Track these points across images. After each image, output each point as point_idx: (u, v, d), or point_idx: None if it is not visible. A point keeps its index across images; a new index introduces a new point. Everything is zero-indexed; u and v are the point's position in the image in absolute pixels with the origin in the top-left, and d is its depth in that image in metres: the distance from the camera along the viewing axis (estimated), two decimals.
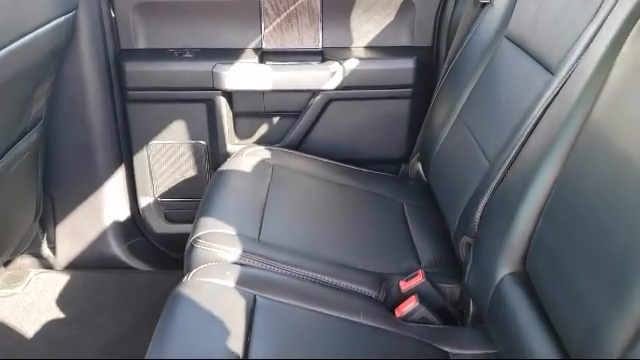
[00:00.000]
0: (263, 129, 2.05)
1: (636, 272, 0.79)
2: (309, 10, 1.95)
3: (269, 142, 2.01)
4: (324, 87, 1.94)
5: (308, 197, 1.70)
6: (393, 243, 1.53)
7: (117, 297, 1.96)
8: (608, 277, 0.85)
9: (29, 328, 1.82)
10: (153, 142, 2.02)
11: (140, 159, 2.04)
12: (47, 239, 2.08)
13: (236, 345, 1.04)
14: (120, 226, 2.10)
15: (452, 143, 1.62)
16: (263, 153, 1.84)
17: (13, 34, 1.34)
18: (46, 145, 1.87)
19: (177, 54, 1.94)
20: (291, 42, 1.98)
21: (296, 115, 2.00)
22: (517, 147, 1.22)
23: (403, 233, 1.58)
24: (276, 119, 2.03)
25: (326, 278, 1.32)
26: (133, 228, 2.14)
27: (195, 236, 1.37)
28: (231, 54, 1.94)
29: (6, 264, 2.04)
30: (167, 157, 2.05)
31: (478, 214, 1.28)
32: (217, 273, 1.22)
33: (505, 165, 1.24)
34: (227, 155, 1.97)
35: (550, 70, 1.24)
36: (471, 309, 1.29)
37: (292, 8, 1.94)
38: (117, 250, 2.10)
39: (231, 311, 1.12)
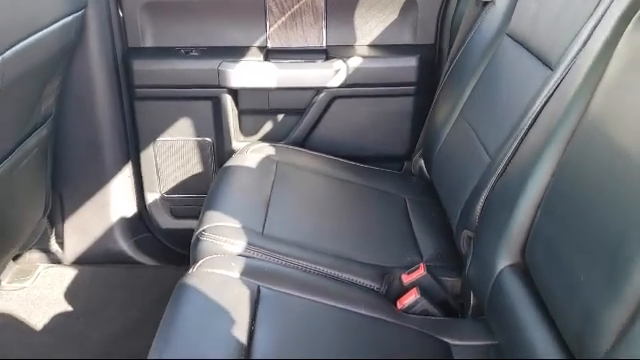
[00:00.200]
0: (268, 126, 2.08)
1: (630, 260, 0.81)
2: (313, 9, 1.98)
3: (274, 139, 2.04)
4: (328, 85, 1.96)
5: (312, 193, 1.72)
6: (395, 237, 1.55)
7: (124, 291, 1.99)
8: (603, 266, 0.87)
9: (38, 321, 1.85)
10: (160, 139, 2.05)
11: (147, 156, 2.07)
12: (55, 234, 2.12)
13: (240, 333, 1.07)
14: (127, 222, 2.13)
15: (454, 140, 1.64)
16: (268, 150, 1.86)
17: (23, 32, 1.37)
18: (54, 142, 1.91)
19: (184, 52, 1.97)
20: (295, 40, 2.01)
21: (300, 112, 2.03)
22: (516, 142, 1.24)
23: (405, 228, 1.60)
24: (281, 116, 2.06)
25: (329, 270, 1.35)
26: (140, 224, 2.17)
27: (201, 229, 1.39)
28: (237, 52, 1.97)
29: (15, 258, 2.07)
30: (173, 154, 2.08)
31: (479, 208, 1.30)
32: (222, 264, 1.25)
33: (505, 160, 1.26)
34: (232, 152, 2.00)
35: (550, 66, 1.26)
36: (472, 301, 1.31)
37: (296, 7, 1.97)
38: (124, 245, 2.13)
39: (236, 301, 1.15)
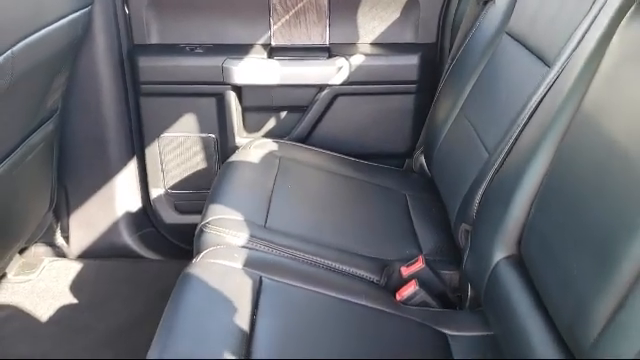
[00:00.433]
0: (271, 123, 2.10)
1: (619, 250, 0.84)
2: (317, 7, 2.00)
3: (277, 135, 2.07)
4: (331, 82, 1.99)
5: (314, 187, 1.75)
6: (395, 232, 1.58)
7: (128, 284, 2.02)
8: (594, 258, 0.89)
9: (43, 312, 1.88)
10: (164, 135, 2.08)
11: (151, 151, 2.10)
12: (61, 228, 2.15)
13: (243, 321, 1.10)
14: (131, 216, 2.16)
15: (454, 136, 1.66)
16: (271, 146, 1.89)
17: (32, 27, 1.40)
18: (60, 137, 1.94)
19: (188, 49, 2.00)
20: (299, 38, 2.04)
21: (303, 109, 2.06)
22: (513, 138, 1.27)
23: (405, 223, 1.63)
24: (284, 113, 2.09)
25: (330, 263, 1.37)
26: (144, 218, 2.19)
27: (205, 221, 1.42)
28: (241, 50, 2.00)
29: (21, 252, 2.10)
30: (178, 149, 2.11)
31: (476, 202, 1.32)
32: (225, 255, 1.28)
33: (502, 155, 1.29)
34: (236, 148, 2.02)
35: (547, 64, 1.28)
36: (469, 293, 1.34)
37: (300, 5, 2.00)
38: (128, 240, 2.16)
39: (238, 290, 1.17)
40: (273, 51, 2.01)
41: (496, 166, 1.30)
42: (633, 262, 0.81)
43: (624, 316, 0.78)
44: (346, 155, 1.98)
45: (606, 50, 1.03)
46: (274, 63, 1.97)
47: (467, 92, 1.66)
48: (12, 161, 1.56)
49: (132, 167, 2.13)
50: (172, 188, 2.15)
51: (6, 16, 1.25)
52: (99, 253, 2.14)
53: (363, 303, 1.25)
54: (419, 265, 1.37)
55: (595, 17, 1.15)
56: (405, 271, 1.37)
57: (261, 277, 1.23)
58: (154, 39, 2.03)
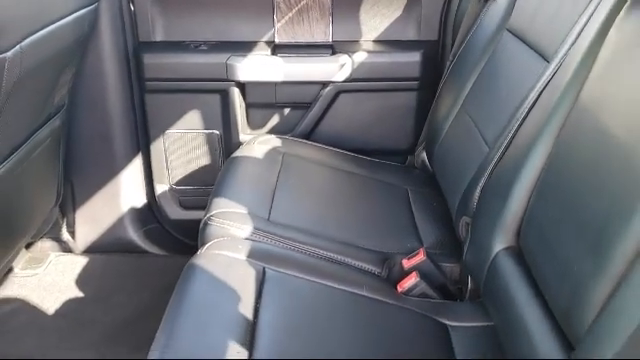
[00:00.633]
0: (275, 119, 2.13)
1: (613, 240, 0.85)
2: (320, 5, 2.03)
3: (280, 132, 2.09)
4: (334, 79, 2.01)
5: (317, 182, 1.77)
6: (397, 225, 1.60)
7: (134, 279, 2.04)
8: (590, 246, 0.91)
9: (50, 305, 1.91)
10: (169, 131, 2.10)
11: (156, 148, 2.13)
12: (67, 224, 2.17)
13: (246, 310, 1.12)
14: (137, 212, 2.19)
15: (455, 132, 1.68)
16: (274, 142, 1.91)
17: (40, 23, 1.42)
18: (67, 133, 1.96)
19: (193, 46, 2.03)
20: (302, 35, 2.06)
21: (306, 106, 2.08)
22: (512, 132, 1.29)
23: (407, 217, 1.64)
24: (287, 110, 2.11)
25: (332, 255, 1.39)
26: (149, 214, 2.22)
27: (209, 214, 1.45)
28: (245, 47, 2.03)
29: (28, 246, 2.13)
30: (182, 146, 2.14)
31: (476, 195, 1.34)
32: (229, 246, 1.30)
33: (502, 149, 1.31)
34: (240, 144, 2.04)
35: (546, 59, 1.30)
36: (469, 285, 1.36)
37: (303, 3, 2.02)
38: (133, 235, 2.18)
39: (242, 280, 1.20)
40: (277, 48, 2.04)
41: (495, 160, 1.32)
42: (627, 251, 0.83)
43: (617, 302, 0.80)
44: (349, 151, 2.00)
45: (602, 45, 1.05)
46: (278, 60, 2.00)
47: (468, 88, 1.68)
48: (19, 156, 1.58)
49: (137, 163, 2.15)
50: (177, 184, 2.18)
51: (15, 12, 1.28)
52: (104, 248, 2.16)
53: (364, 294, 1.27)
54: (420, 257, 1.39)
55: (593, 13, 1.17)
56: (406, 263, 1.39)
57: (264, 268, 1.26)
58: (159, 36, 2.05)
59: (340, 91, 2.05)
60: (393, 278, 1.38)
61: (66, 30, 1.58)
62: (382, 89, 2.06)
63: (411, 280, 1.33)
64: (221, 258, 1.26)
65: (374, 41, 2.09)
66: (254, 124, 2.13)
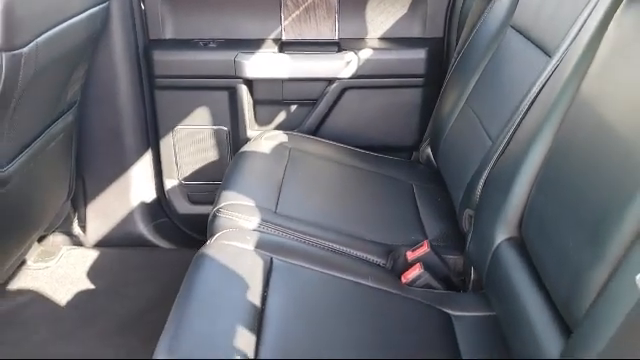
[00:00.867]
0: (281, 116, 2.16)
1: (611, 228, 0.88)
2: (326, 3, 2.06)
3: (287, 128, 2.12)
4: (340, 76, 2.05)
5: (323, 177, 1.81)
6: (402, 219, 1.63)
7: (144, 272, 2.08)
8: (589, 235, 0.94)
9: (62, 297, 1.95)
10: (178, 127, 2.14)
11: (166, 143, 2.16)
12: (78, 218, 2.21)
13: (254, 298, 1.15)
14: (146, 207, 2.23)
15: (460, 127, 1.71)
16: (281, 137, 1.95)
17: (54, 20, 1.46)
18: (79, 128, 2.00)
19: (202, 44, 2.06)
20: (309, 33, 2.09)
21: (313, 103, 2.11)
22: (515, 125, 1.32)
23: (412, 211, 1.67)
24: (294, 106, 2.14)
25: (338, 246, 1.43)
26: (158, 209, 2.26)
27: (218, 207, 1.48)
28: (252, 44, 2.06)
29: (40, 240, 2.17)
30: (191, 142, 2.17)
31: (479, 188, 1.37)
32: (238, 237, 1.34)
33: (504, 142, 1.34)
34: (247, 140, 2.08)
35: (548, 54, 1.33)
36: (472, 276, 1.39)
37: (310, 1, 2.05)
38: (143, 229, 2.22)
39: (250, 269, 1.23)
40: (284, 46, 2.07)
41: (498, 153, 1.35)
42: (623, 239, 0.86)
43: (613, 287, 0.83)
44: (354, 147, 2.03)
45: (601, 40, 1.07)
46: (285, 57, 2.03)
47: (473, 84, 1.70)
48: (33, 150, 1.62)
49: (147, 158, 2.19)
50: (186, 179, 2.21)
51: (32, 9, 1.32)
52: (115, 242, 2.20)
53: (369, 284, 1.30)
54: (424, 249, 1.42)
55: (593, 8, 1.19)
56: (410, 255, 1.42)
57: (272, 258, 1.29)
58: (169, 34, 2.09)
59: (346, 88, 2.08)
60: (397, 269, 1.41)
61: (79, 27, 1.62)
62: (388, 86, 2.09)
63: (415, 271, 1.36)
64: (230, 248, 1.29)
65: (380, 38, 2.12)
66: (261, 120, 2.17)
